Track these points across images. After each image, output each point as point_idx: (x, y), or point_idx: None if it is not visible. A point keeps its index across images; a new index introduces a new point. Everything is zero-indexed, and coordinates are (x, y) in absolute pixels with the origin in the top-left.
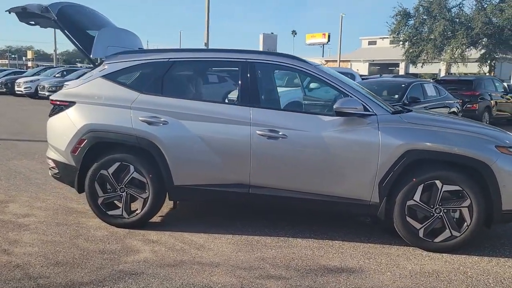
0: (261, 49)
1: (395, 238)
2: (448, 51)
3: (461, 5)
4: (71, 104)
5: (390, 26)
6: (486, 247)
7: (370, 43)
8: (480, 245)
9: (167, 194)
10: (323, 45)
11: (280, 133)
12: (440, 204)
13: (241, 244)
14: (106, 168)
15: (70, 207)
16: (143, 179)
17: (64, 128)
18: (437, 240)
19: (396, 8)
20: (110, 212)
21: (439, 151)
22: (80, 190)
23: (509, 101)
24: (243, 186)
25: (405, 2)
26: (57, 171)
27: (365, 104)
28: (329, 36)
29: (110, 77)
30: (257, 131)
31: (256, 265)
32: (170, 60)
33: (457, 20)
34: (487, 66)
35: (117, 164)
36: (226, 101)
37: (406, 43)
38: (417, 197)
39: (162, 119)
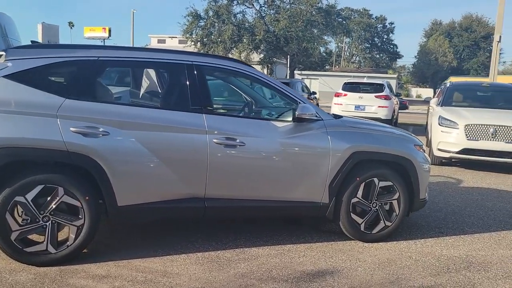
0: (40, 40)
1: (333, 235)
2: (236, 53)
3: (244, 13)
4: None
5: (182, 26)
6: (411, 232)
7: (159, 41)
8: (403, 232)
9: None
10: (104, 39)
11: (237, 141)
12: (376, 199)
13: (206, 263)
14: (23, 193)
15: None
16: (77, 203)
17: None
18: (374, 231)
19: (188, 9)
20: (28, 249)
21: (378, 152)
22: None
23: (311, 100)
24: (198, 200)
25: (197, 3)
26: None
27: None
28: (110, 31)
29: (17, 77)
30: (214, 140)
31: (243, 284)
32: (100, 59)
33: (243, 26)
34: (267, 68)
35: (39, 187)
36: (174, 107)
37: (198, 44)
38: (359, 194)
39: (101, 129)
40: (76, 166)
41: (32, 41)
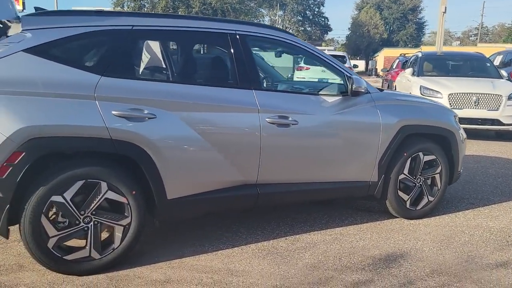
0: None
1: (372, 213)
2: None
3: None
4: None
5: None
6: (445, 206)
7: None
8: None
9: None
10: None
11: (290, 119)
12: (421, 174)
13: (267, 256)
14: (60, 191)
15: None
16: (122, 199)
17: None
18: (418, 207)
19: None
20: (68, 257)
21: (425, 125)
22: (6, 233)
23: None
24: (250, 187)
25: None
26: None
27: None
28: (23, 3)
29: (40, 51)
30: (266, 119)
31: (322, 277)
32: (134, 28)
33: None
34: None
35: (79, 183)
36: (222, 83)
37: None
38: (406, 170)
39: (146, 112)
40: (121, 156)
41: (36, 8)
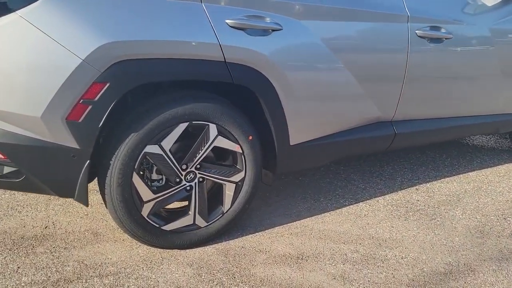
0: None
1: (488, 151)
2: None
3: None
4: None
5: None
6: None
7: None
8: None
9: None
10: None
11: (443, 31)
12: None
13: (403, 216)
14: (156, 140)
15: (29, 232)
16: (235, 147)
17: (34, 62)
18: None
19: None
20: (168, 226)
21: None
22: (86, 198)
23: None
24: (385, 125)
25: None
26: (14, 166)
27: None
28: None
29: None
30: (416, 31)
31: (502, 248)
32: None
33: None
34: None
35: (182, 127)
36: None
37: None
38: None
39: (268, 20)
40: (235, 86)
41: None
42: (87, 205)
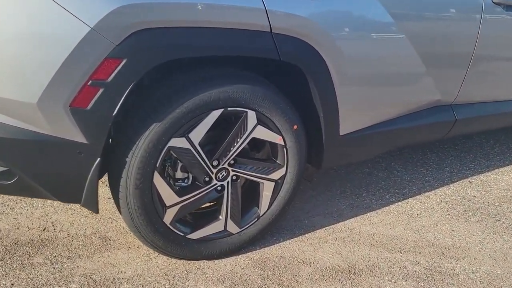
0: None
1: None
2: None
3: None
4: None
5: None
6: None
7: None
8: None
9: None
10: None
11: None
12: None
13: (461, 215)
14: (183, 131)
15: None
16: (276, 139)
17: (27, 31)
18: None
19: None
20: (194, 235)
21: None
22: (96, 205)
23: None
24: (444, 110)
25: None
26: (4, 166)
27: None
28: None
29: None
30: None
31: None
32: None
33: None
34: None
35: (215, 114)
36: None
37: None
38: None
39: None
40: (281, 64)
41: None
42: (97, 212)
